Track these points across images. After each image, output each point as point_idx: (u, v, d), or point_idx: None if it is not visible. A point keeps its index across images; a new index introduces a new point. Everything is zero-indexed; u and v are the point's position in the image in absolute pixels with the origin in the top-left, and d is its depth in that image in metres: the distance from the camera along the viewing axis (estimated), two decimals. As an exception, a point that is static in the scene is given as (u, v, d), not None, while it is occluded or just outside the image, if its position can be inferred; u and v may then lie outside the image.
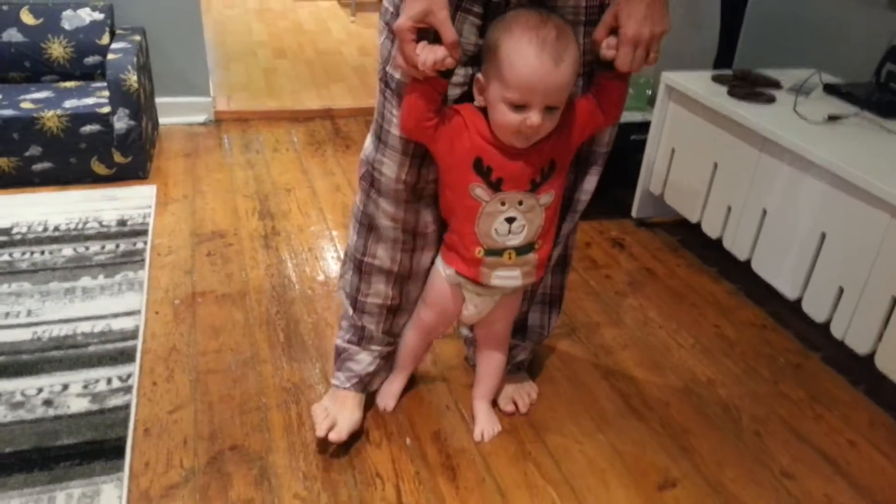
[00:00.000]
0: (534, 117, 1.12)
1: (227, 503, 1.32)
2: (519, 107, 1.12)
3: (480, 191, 1.21)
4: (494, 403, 1.57)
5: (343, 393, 1.49)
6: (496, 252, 1.27)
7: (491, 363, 1.52)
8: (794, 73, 2.16)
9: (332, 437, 1.42)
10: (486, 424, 1.52)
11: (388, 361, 1.55)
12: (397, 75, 1.18)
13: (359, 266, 1.42)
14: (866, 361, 1.65)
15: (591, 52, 1.19)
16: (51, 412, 1.49)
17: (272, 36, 4.52)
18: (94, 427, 1.45)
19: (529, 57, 1.08)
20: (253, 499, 1.34)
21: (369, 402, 1.55)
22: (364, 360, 1.50)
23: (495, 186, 1.21)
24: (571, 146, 1.25)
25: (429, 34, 1.09)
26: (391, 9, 1.18)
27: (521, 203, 1.23)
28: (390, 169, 1.28)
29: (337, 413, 1.45)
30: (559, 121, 1.18)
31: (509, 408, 1.59)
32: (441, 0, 1.06)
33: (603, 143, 1.33)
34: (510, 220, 1.24)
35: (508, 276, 1.30)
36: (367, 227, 1.37)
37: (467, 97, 1.20)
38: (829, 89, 2.05)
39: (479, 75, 1.16)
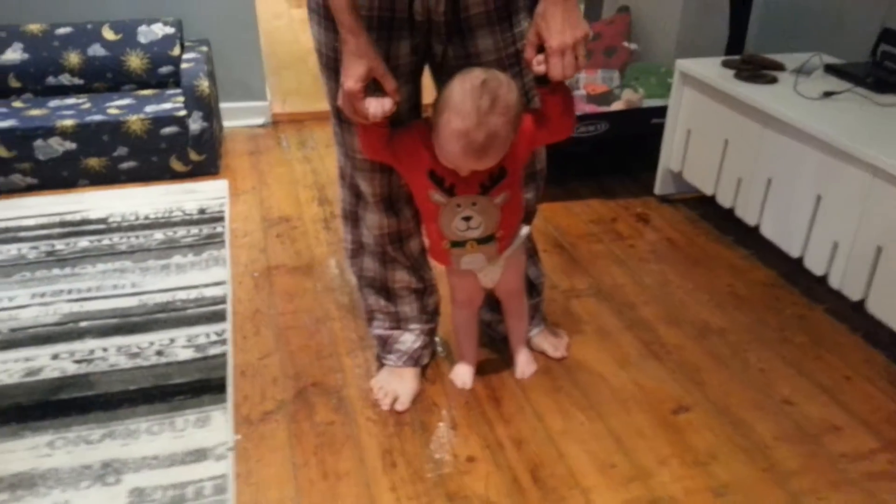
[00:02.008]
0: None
1: (313, 424, 1.61)
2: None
3: (438, 196, 1.42)
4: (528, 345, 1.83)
5: (399, 369, 1.72)
6: (459, 244, 1.49)
7: (517, 313, 1.75)
8: (799, 56, 2.38)
9: (399, 407, 1.65)
10: (524, 365, 1.78)
11: (431, 337, 1.77)
12: None
13: (382, 258, 1.64)
14: (863, 310, 1.86)
15: (510, 45, 1.39)
16: (163, 360, 1.80)
17: (318, 43, 4.84)
18: (199, 370, 1.76)
19: (456, 152, 1.29)
20: (334, 421, 1.62)
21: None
22: (408, 340, 1.72)
23: (449, 192, 1.41)
24: (519, 157, 1.44)
25: (372, 86, 1.27)
26: (324, 50, 1.38)
27: (474, 204, 1.43)
28: (366, 187, 1.52)
29: (397, 386, 1.68)
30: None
31: (556, 354, 1.83)
32: (376, 55, 1.25)
33: None
34: (467, 219, 1.44)
35: (474, 260, 1.52)
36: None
37: (413, 108, 1.44)
38: (830, 69, 2.27)
39: (430, 115, 1.36)
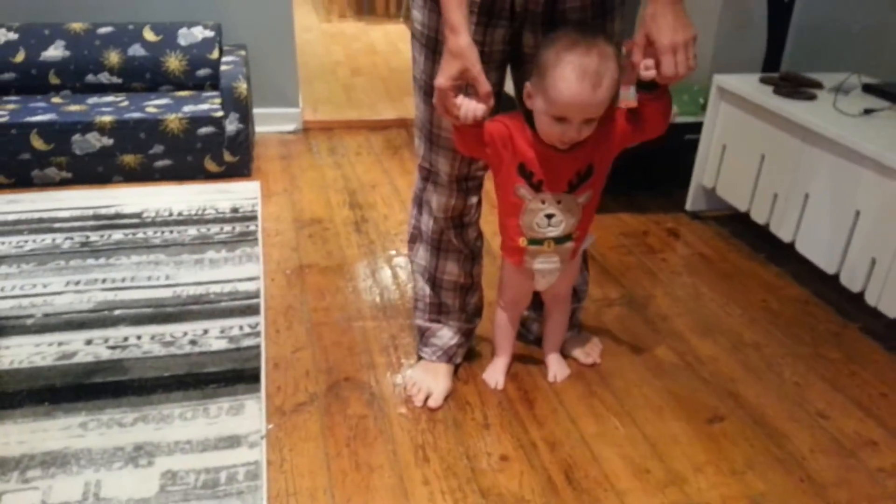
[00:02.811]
0: (572, 132, 1.33)
1: (346, 417, 1.61)
2: (560, 119, 1.32)
3: (524, 190, 1.44)
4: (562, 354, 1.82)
5: (434, 364, 1.73)
6: (537, 241, 1.50)
7: (557, 319, 1.76)
8: (836, 75, 2.38)
9: (431, 403, 1.65)
10: (557, 369, 1.77)
11: (467, 338, 1.78)
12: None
13: (437, 246, 1.66)
14: (899, 327, 1.85)
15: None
16: (196, 349, 1.80)
17: (348, 56, 4.90)
18: (233, 360, 1.76)
19: (572, 82, 1.26)
20: (366, 415, 1.62)
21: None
22: (446, 335, 1.73)
23: (536, 187, 1.42)
24: (609, 154, 1.46)
25: (465, 86, 1.28)
26: (425, 31, 1.41)
27: (559, 202, 1.44)
28: (444, 165, 1.54)
29: (430, 382, 1.68)
30: (600, 131, 1.38)
31: (588, 360, 1.82)
32: (474, 57, 1.25)
33: None
34: (549, 216, 1.45)
35: (548, 262, 1.53)
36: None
37: (496, 95, 1.43)
38: (868, 88, 2.27)
39: (528, 85, 1.36)
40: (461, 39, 1.25)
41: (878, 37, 2.49)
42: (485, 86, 1.28)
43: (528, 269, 1.55)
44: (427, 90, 1.47)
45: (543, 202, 1.44)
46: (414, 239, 1.70)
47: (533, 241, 1.50)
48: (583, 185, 1.44)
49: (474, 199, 1.62)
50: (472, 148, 1.41)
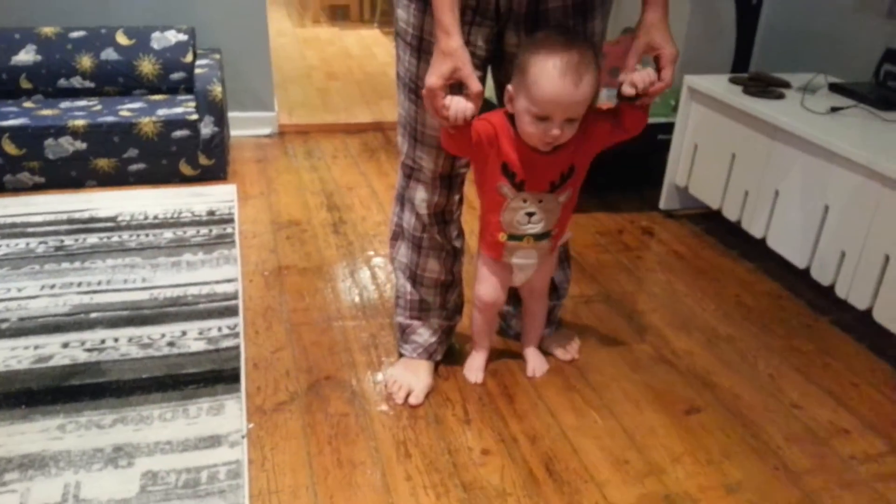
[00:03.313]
0: (555, 130, 1.34)
1: (327, 415, 1.61)
2: (542, 118, 1.34)
3: (506, 189, 1.46)
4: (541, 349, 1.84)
5: (414, 362, 1.74)
6: (517, 237, 1.52)
7: (536, 315, 1.78)
8: (803, 75, 2.43)
9: (412, 400, 1.65)
10: (536, 364, 1.79)
11: (448, 335, 1.79)
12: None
13: (418, 243, 1.67)
14: (869, 322, 1.89)
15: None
16: (175, 350, 1.79)
17: (323, 61, 4.90)
18: (212, 361, 1.76)
19: (553, 78, 1.29)
20: (348, 413, 1.62)
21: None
22: (425, 333, 1.74)
23: (518, 187, 1.45)
24: (590, 154, 1.49)
25: (454, 86, 1.30)
26: (410, 30, 1.42)
27: (540, 201, 1.47)
28: (428, 162, 1.55)
29: (411, 379, 1.69)
30: (581, 132, 1.40)
31: (567, 356, 1.84)
32: (465, 57, 1.29)
33: None
34: (530, 214, 1.48)
35: (526, 257, 1.56)
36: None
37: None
38: (834, 88, 2.32)
39: (510, 87, 1.38)
40: (453, 41, 1.27)
41: (842, 38, 2.55)
42: (476, 85, 1.30)
43: (507, 263, 1.57)
44: (412, 87, 1.48)
45: (525, 201, 1.46)
46: (396, 237, 1.71)
47: (512, 237, 1.52)
48: (564, 184, 1.47)
49: (457, 196, 1.64)
50: (460, 147, 1.43)
